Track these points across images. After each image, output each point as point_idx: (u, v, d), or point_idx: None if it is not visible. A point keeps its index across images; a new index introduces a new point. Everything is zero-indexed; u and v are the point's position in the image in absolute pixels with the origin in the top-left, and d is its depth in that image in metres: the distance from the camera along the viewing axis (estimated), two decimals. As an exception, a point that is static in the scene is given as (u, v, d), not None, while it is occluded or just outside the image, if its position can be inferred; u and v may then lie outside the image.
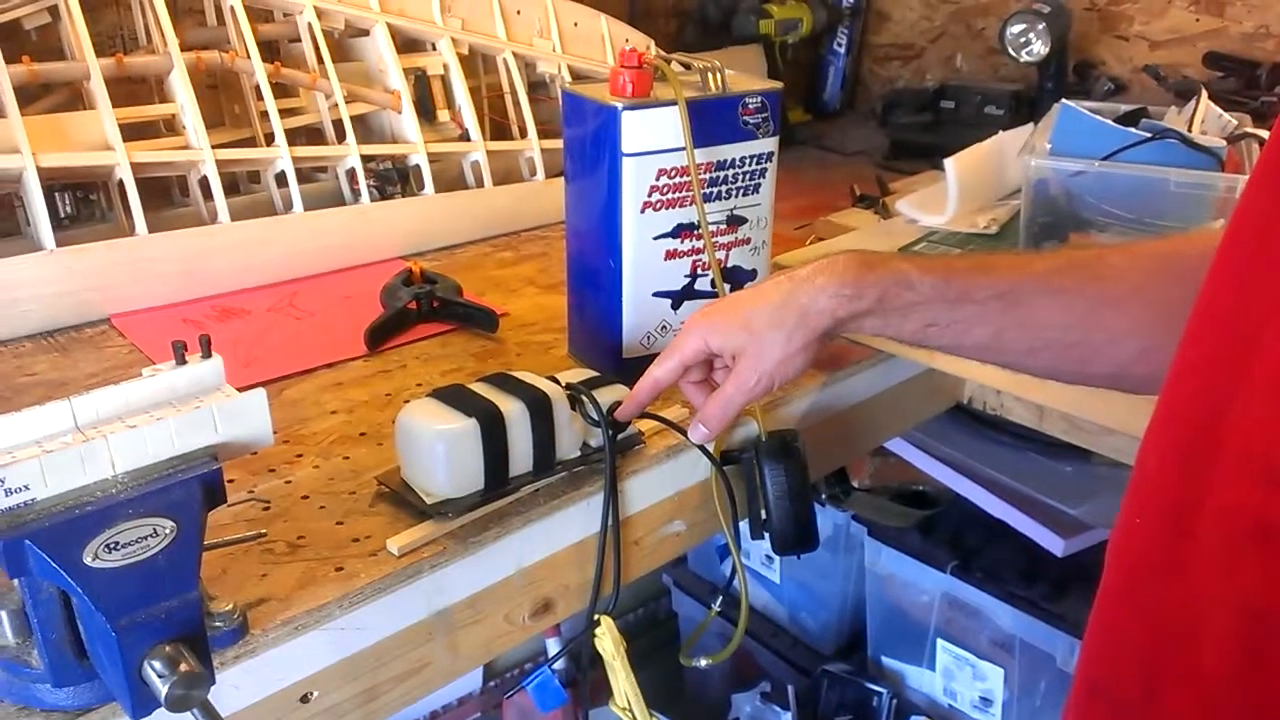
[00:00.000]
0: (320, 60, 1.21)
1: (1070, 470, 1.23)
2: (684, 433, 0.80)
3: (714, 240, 0.88)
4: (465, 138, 1.32)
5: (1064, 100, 1.10)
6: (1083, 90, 1.64)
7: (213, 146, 1.11)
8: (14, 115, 0.99)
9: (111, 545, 0.48)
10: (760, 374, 0.72)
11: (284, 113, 1.20)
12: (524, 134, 1.36)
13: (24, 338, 1.00)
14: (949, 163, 1.17)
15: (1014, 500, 1.23)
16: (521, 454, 0.72)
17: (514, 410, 0.71)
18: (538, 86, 1.43)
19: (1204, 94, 1.15)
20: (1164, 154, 1.00)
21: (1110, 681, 0.50)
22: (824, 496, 1.45)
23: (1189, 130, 1.05)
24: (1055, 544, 1.20)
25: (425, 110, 1.32)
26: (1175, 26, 1.65)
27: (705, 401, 0.76)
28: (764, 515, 0.83)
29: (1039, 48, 1.56)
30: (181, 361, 0.55)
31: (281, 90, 1.23)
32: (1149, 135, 1.01)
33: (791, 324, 0.71)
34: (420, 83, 1.32)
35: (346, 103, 1.21)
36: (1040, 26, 1.55)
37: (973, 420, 1.28)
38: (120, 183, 1.05)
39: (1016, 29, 1.57)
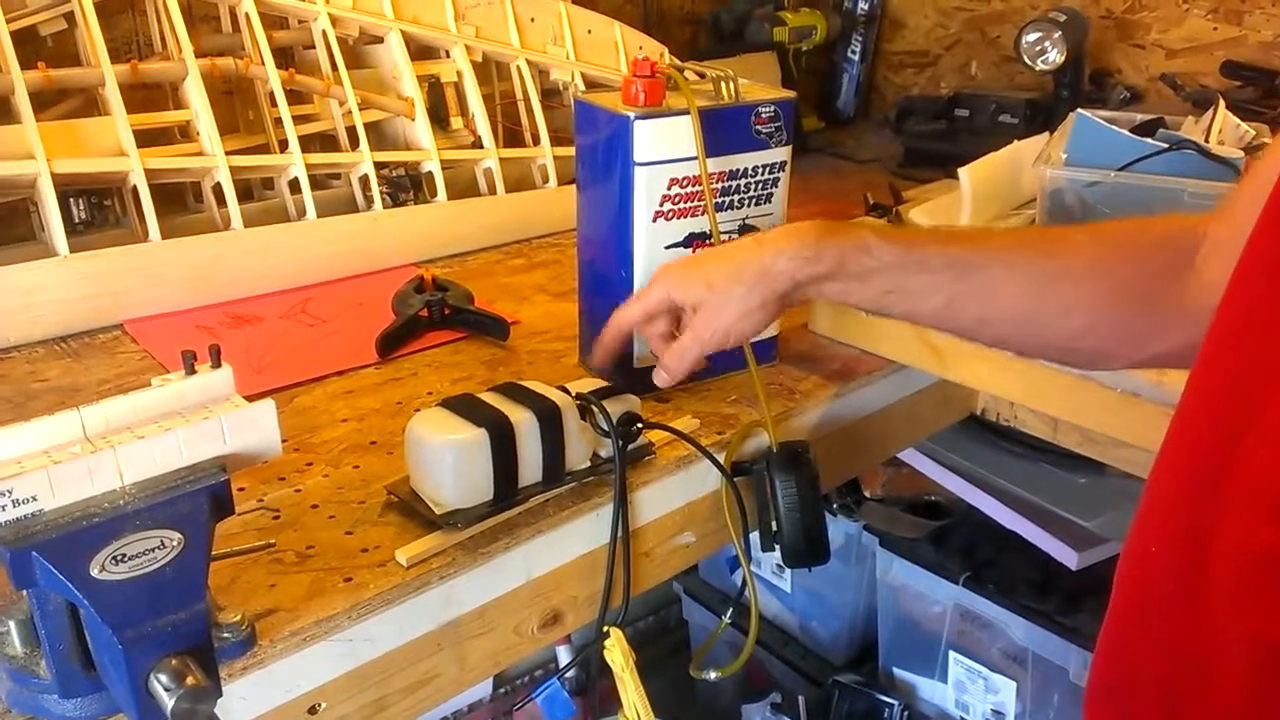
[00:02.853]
0: (334, 67, 1.21)
1: (1084, 482, 1.22)
2: (695, 444, 0.80)
3: (726, 250, 0.88)
4: (478, 145, 1.32)
5: (1080, 110, 1.09)
6: (1099, 99, 1.63)
7: (227, 153, 1.11)
8: (29, 121, 1.00)
9: (119, 557, 0.48)
10: (715, 328, 0.76)
11: (298, 119, 1.20)
12: (537, 141, 1.36)
13: (37, 343, 1.00)
14: (963, 172, 1.16)
15: (1027, 512, 1.23)
16: (531, 464, 0.72)
17: (524, 420, 0.71)
18: (551, 94, 1.43)
19: (1221, 104, 1.13)
20: (1181, 165, 0.99)
21: (1129, 706, 0.49)
22: (835, 506, 1.44)
23: (1206, 141, 1.04)
24: (1069, 557, 1.19)
25: (438, 117, 1.32)
26: (1192, 35, 1.64)
27: (667, 350, 0.80)
28: (774, 527, 0.82)
29: (1055, 56, 1.55)
30: (191, 371, 0.55)
31: (295, 97, 1.23)
32: (1166, 146, 1.00)
33: (750, 281, 0.74)
34: (434, 90, 1.32)
35: (360, 109, 1.21)
36: (1056, 35, 1.54)
37: (986, 431, 1.27)
38: (134, 189, 1.06)
39: (1032, 37, 1.56)
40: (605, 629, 0.76)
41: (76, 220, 1.12)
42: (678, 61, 0.87)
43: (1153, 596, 0.48)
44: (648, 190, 0.84)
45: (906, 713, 1.41)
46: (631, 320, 0.81)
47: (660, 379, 0.82)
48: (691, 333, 0.77)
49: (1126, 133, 1.04)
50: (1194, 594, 0.44)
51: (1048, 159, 1.04)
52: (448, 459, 0.69)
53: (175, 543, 0.50)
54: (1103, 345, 0.69)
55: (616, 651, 0.75)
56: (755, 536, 0.85)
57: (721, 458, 0.82)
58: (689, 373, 0.81)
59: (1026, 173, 1.20)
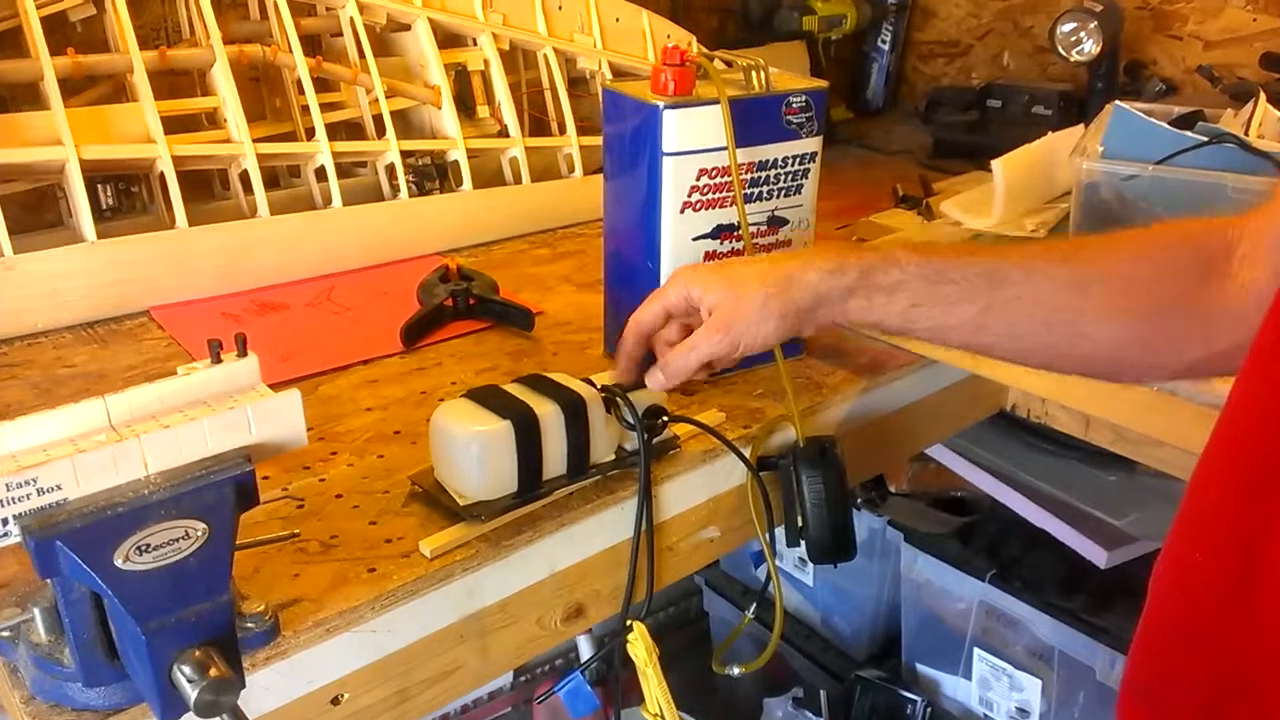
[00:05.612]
0: (361, 55, 1.21)
1: (1114, 480, 1.20)
2: (721, 438, 0.79)
3: (754, 242, 0.87)
4: (504, 134, 1.31)
5: (1117, 102, 1.07)
6: (1133, 91, 1.60)
7: (253, 140, 1.11)
8: (57, 107, 1.00)
9: (143, 547, 0.48)
10: (729, 329, 0.73)
11: (325, 107, 1.20)
12: (563, 130, 1.36)
13: (64, 329, 1.01)
14: (997, 164, 1.14)
15: (1056, 509, 1.21)
16: (555, 457, 0.71)
17: (549, 412, 0.70)
18: (578, 83, 1.42)
19: (1262, 96, 1.11)
20: (1221, 158, 0.97)
21: (1167, 708, 0.48)
22: (860, 501, 1.43)
23: (1246, 134, 1.02)
24: (1098, 555, 1.17)
25: (465, 106, 1.31)
26: (1231, 26, 1.61)
27: (669, 351, 0.76)
28: (800, 523, 0.82)
29: (1090, 47, 1.53)
30: (217, 360, 0.55)
31: (322, 85, 1.23)
32: (1206, 139, 0.98)
33: (774, 288, 0.72)
34: (460, 78, 1.31)
35: (387, 98, 1.21)
36: (1092, 25, 1.52)
37: (1014, 427, 1.26)
38: (161, 175, 1.06)
39: (1067, 27, 1.54)
40: (628, 623, 0.76)
41: (104, 206, 1.12)
42: (707, 50, 0.86)
43: (1198, 603, 0.47)
44: (676, 180, 0.83)
45: (930, 709, 1.40)
46: (653, 319, 0.77)
47: (655, 381, 0.76)
48: (703, 333, 0.73)
49: (1166, 125, 1.02)
50: (1244, 602, 0.43)
51: (1084, 151, 1.03)
52: (473, 451, 0.68)
53: (200, 533, 0.50)
54: (1141, 355, 0.67)
55: (640, 646, 0.75)
56: (780, 531, 0.84)
57: (747, 452, 0.81)
58: (688, 377, 0.76)
59: (1061, 166, 1.19)
